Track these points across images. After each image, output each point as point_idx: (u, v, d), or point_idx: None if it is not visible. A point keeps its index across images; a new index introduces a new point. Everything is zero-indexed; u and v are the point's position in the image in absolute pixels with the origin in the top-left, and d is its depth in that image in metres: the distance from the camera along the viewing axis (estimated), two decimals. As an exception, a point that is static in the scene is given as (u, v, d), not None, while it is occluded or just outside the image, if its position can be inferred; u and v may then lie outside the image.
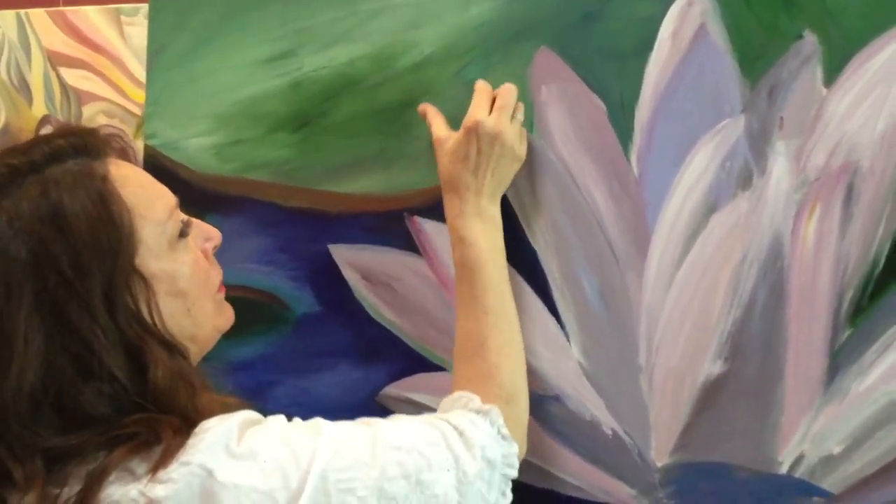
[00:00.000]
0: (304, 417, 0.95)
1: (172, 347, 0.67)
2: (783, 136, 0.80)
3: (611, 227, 0.85)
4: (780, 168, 0.80)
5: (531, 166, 0.87)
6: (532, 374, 0.86)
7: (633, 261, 0.84)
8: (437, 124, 0.85)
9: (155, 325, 0.66)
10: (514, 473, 0.72)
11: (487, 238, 0.80)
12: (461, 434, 0.69)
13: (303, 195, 0.96)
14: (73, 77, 1.15)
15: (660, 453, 0.84)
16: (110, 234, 0.64)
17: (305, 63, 0.95)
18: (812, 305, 0.79)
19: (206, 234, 0.75)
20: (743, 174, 0.81)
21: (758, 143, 0.80)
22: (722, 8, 0.81)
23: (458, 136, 0.81)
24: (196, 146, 1.00)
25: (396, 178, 0.92)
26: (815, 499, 0.79)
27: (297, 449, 0.62)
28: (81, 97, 1.14)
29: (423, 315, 0.91)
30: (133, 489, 0.59)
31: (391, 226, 0.92)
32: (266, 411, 0.96)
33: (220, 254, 0.97)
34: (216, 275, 0.75)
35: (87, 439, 0.61)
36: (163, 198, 0.71)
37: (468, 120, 0.81)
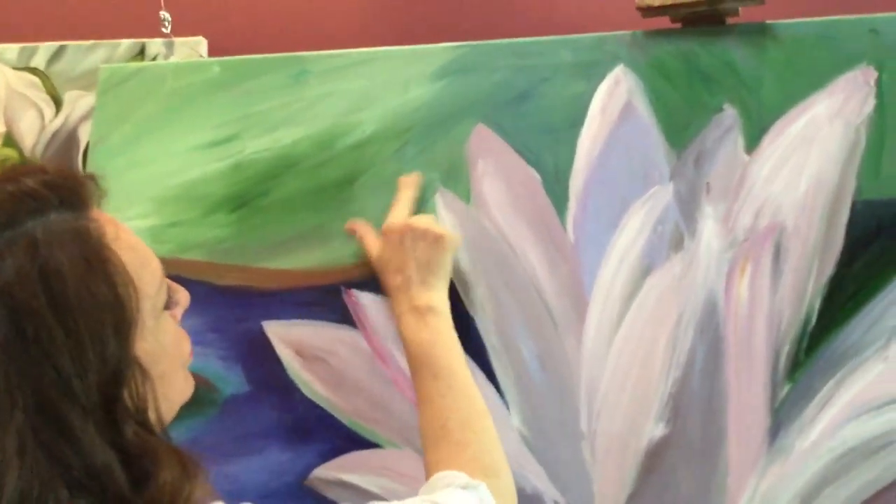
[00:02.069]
0: (229, 505, 0.92)
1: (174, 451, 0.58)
2: (710, 200, 0.85)
3: (549, 293, 0.87)
4: (709, 230, 0.84)
5: (468, 236, 0.90)
6: (470, 446, 0.85)
7: (571, 325, 0.86)
8: (370, 242, 0.88)
9: (154, 424, 0.57)
10: None
11: (426, 328, 0.81)
12: None
13: (237, 273, 0.97)
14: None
15: (605, 525, 0.82)
16: (116, 315, 0.54)
17: (248, 146, 1.00)
18: (750, 362, 0.81)
19: (176, 298, 0.65)
20: (674, 237, 0.85)
21: (687, 208, 0.86)
22: (646, 85, 0.89)
23: (378, 247, 0.86)
24: (133, 228, 1.01)
25: (334, 252, 0.94)
26: (769, 566, 0.77)
27: None
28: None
29: (357, 390, 0.91)
30: None
31: (327, 300, 0.93)
32: None
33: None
34: (187, 342, 0.67)
35: None
36: (153, 261, 0.61)
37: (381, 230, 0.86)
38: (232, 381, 0.95)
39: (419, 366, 0.79)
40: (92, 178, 0.62)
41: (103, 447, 0.52)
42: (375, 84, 0.97)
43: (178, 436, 0.95)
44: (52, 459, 0.51)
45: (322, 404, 0.92)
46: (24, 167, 0.62)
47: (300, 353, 0.93)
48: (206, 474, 0.60)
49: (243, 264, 0.97)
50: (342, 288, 0.93)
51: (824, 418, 0.78)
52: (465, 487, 0.68)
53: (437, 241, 0.83)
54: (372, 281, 0.92)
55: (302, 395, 0.92)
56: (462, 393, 0.77)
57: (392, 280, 0.84)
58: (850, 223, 0.81)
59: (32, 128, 1.37)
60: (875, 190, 0.81)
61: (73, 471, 0.52)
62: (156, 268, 0.61)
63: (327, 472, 0.90)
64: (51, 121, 1.36)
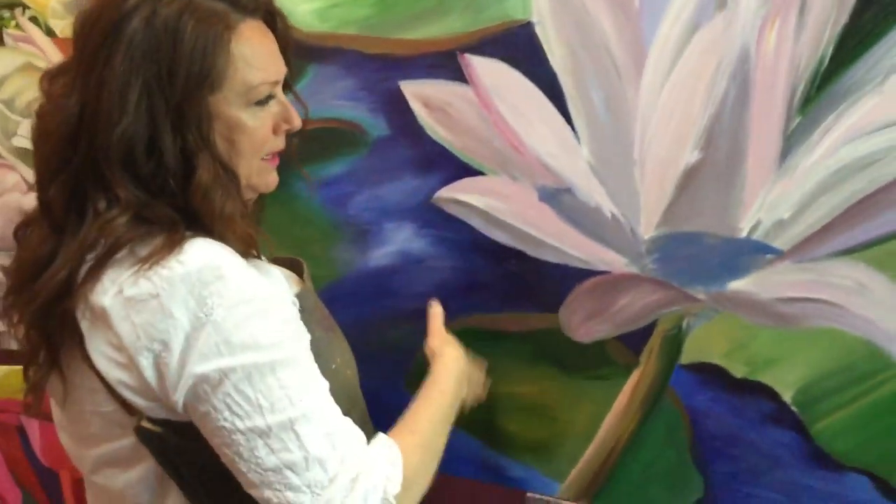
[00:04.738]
0: (377, 218, 1.27)
1: (225, 165, 0.87)
2: (753, -36, 1.03)
3: (615, 51, 1.11)
4: (749, -10, 1.03)
5: (555, 4, 1.14)
6: (550, 171, 1.13)
7: (632, 76, 1.10)
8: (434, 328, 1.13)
9: (211, 143, 0.86)
10: None
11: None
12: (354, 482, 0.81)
13: (380, 43, 1.26)
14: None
15: (647, 228, 1.09)
16: (202, 69, 0.84)
17: (389, -62, 1.26)
18: (770, 99, 1.02)
19: (286, 117, 0.94)
20: (720, -1, 1.05)
21: (733, -28, 1.04)
22: None
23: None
24: (303, 11, 1.33)
25: (451, 23, 1.21)
26: (769, 256, 1.02)
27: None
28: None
29: (468, 131, 1.20)
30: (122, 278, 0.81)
31: (447, 63, 1.21)
32: (348, 218, 1.27)
33: (318, 93, 1.30)
34: (274, 145, 0.94)
35: (136, 200, 0.83)
36: (264, 70, 0.89)
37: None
38: (378, 126, 1.27)
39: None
40: (272, 6, 0.95)
41: (170, 136, 0.83)
42: None
43: (341, 168, 1.30)
44: (150, 119, 0.83)
45: (442, 143, 1.22)
46: None
47: (427, 105, 1.23)
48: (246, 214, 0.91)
49: (385, 36, 1.26)
50: (457, 52, 1.20)
51: (825, 142, 0.99)
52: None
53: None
54: (481, 45, 1.19)
55: (428, 136, 1.23)
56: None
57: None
58: (865, -20, 0.97)
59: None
60: (891, -52, 0.96)
61: (152, 141, 0.83)
62: (265, 75, 0.90)
63: (447, 193, 1.22)
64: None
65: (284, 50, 0.96)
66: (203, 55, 0.84)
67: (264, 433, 0.78)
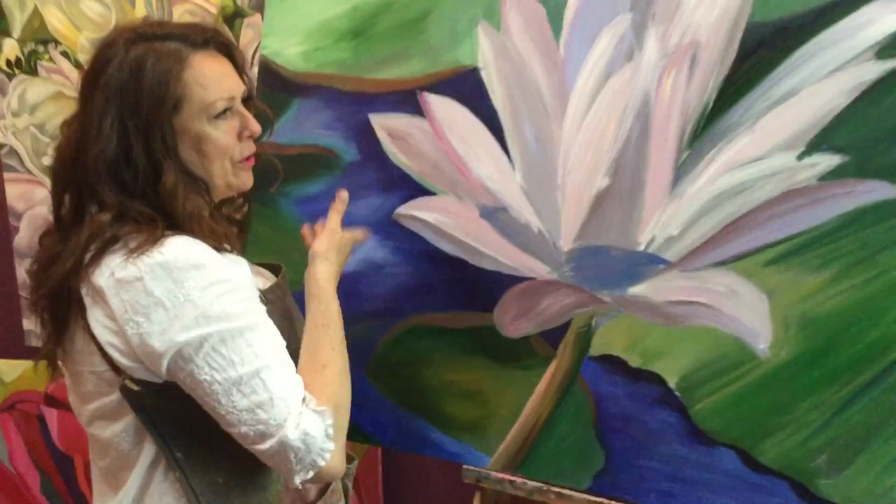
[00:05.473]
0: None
1: (190, 171, 1.09)
2: (654, 24, 1.24)
3: (545, 93, 1.31)
4: (651, 46, 1.24)
5: (496, 54, 1.35)
6: (489, 193, 1.34)
7: (557, 115, 1.30)
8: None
9: (175, 154, 1.07)
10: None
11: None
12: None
13: (354, 82, 1.48)
14: (166, -17, 1.72)
15: (566, 242, 1.29)
16: (160, 95, 1.05)
17: (363, -9, 1.47)
18: (665, 137, 1.22)
19: (246, 124, 1.14)
20: (628, 51, 1.25)
21: (639, 30, 1.25)
22: (619, -59, 1.26)
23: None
24: (291, 53, 1.55)
25: (413, 67, 1.42)
26: (661, 266, 1.22)
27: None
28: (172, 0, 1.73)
29: (423, 157, 1.41)
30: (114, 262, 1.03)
31: (408, 99, 1.42)
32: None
33: (301, 123, 1.51)
34: (242, 150, 1.15)
35: (118, 202, 1.05)
36: (216, 89, 1.10)
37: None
38: (350, 152, 1.48)
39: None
40: (219, 36, 1.16)
41: (139, 151, 1.05)
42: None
43: (319, 188, 1.51)
44: (123, 137, 1.05)
45: (402, 167, 1.43)
46: (188, 23, 1.21)
47: (391, 134, 1.44)
48: (216, 214, 1.14)
49: (358, 76, 1.48)
50: (417, 91, 1.42)
51: (708, 172, 1.19)
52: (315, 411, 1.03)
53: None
54: (436, 85, 1.40)
55: (391, 161, 1.44)
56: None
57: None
58: (742, 39, 1.17)
59: (242, -21, 1.89)
60: (761, 14, 1.16)
61: (127, 155, 1.05)
62: (220, 93, 1.10)
63: (405, 209, 1.42)
64: (258, -27, 1.86)
65: (240, 71, 1.18)
66: (159, 85, 1.06)
67: (237, 382, 1.00)
